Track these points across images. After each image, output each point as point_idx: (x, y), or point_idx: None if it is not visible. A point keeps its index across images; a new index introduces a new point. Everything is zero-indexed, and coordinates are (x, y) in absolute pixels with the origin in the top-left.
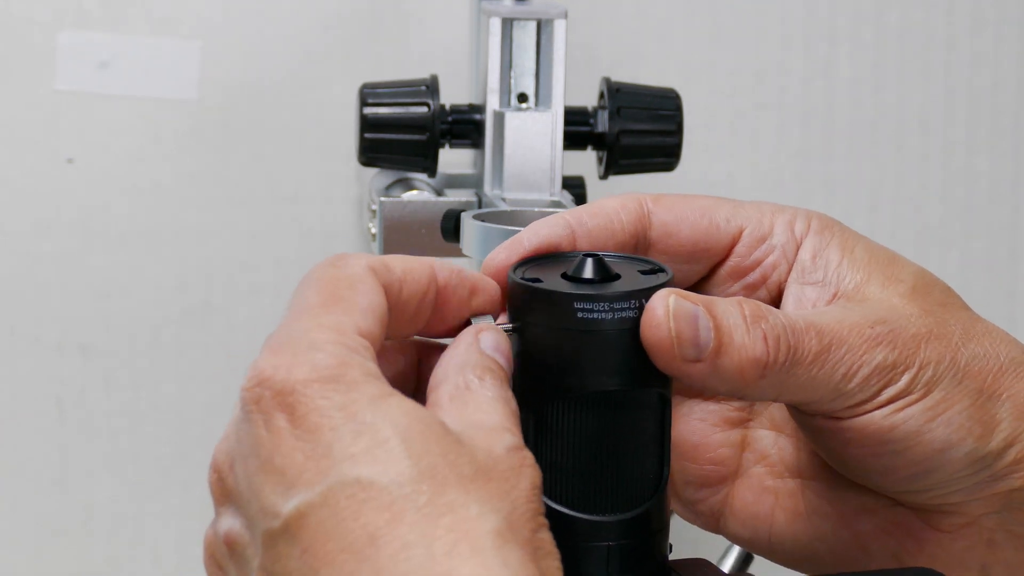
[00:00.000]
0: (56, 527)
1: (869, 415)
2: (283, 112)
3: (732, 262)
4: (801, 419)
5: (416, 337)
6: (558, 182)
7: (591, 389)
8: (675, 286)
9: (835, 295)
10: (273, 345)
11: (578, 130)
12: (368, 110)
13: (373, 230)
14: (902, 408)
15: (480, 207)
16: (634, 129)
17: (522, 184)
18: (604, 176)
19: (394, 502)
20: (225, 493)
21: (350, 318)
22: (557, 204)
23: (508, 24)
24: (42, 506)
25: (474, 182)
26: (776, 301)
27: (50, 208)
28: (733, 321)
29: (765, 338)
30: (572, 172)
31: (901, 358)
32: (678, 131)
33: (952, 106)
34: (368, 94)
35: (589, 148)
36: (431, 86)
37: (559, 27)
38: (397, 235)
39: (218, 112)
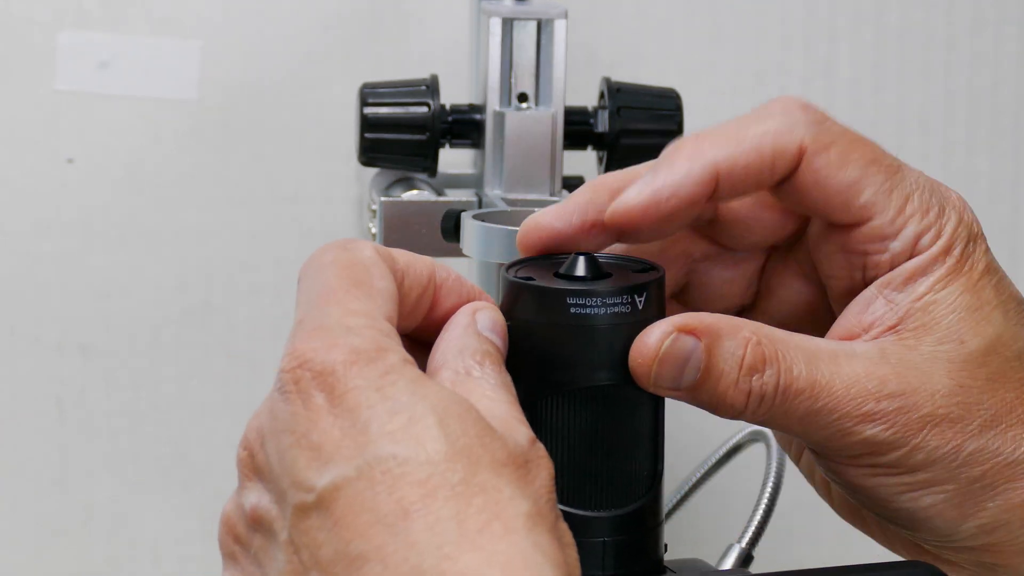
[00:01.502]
0: (56, 527)
1: (844, 467)
2: (283, 112)
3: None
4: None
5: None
6: (558, 182)
7: (584, 384)
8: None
9: (893, 326)
10: (309, 329)
11: (578, 130)
12: (368, 110)
13: (373, 230)
14: (877, 475)
15: (480, 207)
16: (634, 129)
17: (522, 184)
18: None
19: (428, 478)
20: (254, 469)
21: (375, 303)
22: None
23: (508, 24)
24: (42, 506)
25: (474, 182)
26: (858, 288)
27: (50, 208)
28: (727, 367)
29: (748, 394)
30: (572, 172)
31: (894, 438)
32: (678, 131)
33: (952, 106)
34: (368, 94)
35: (589, 148)
36: (431, 86)
37: (559, 27)
38: (397, 235)
39: (218, 112)
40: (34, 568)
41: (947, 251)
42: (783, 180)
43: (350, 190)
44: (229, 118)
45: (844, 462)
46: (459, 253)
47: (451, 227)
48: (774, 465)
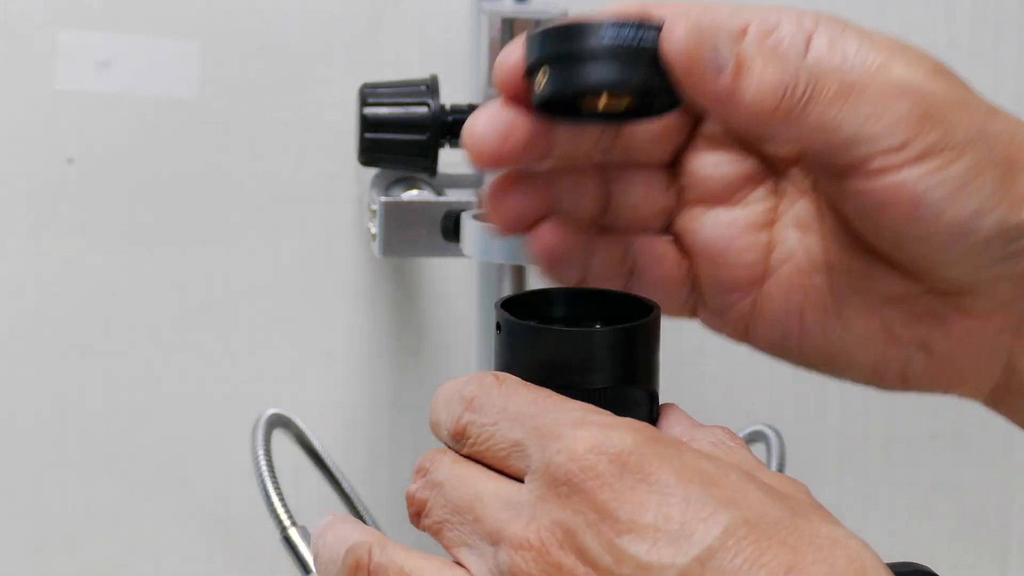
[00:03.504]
0: (56, 527)
1: (902, 175)
2: (283, 112)
3: None
4: (834, 186)
5: None
6: None
7: (582, 387)
8: None
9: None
10: (567, 423)
11: None
12: (368, 110)
13: (373, 230)
14: (937, 171)
15: (480, 207)
16: None
17: None
18: None
19: (787, 538)
20: (571, 567)
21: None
22: None
23: (508, 24)
24: (42, 506)
25: (474, 182)
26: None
27: (50, 208)
28: (754, 48)
29: (785, 68)
30: None
31: (928, 114)
32: None
33: None
34: (368, 94)
35: None
36: (431, 86)
37: None
38: (397, 235)
39: (218, 112)
40: (34, 568)
41: (838, 19)
42: None
43: (350, 190)
44: (229, 118)
45: (900, 161)
46: (459, 253)
47: (451, 227)
48: (774, 465)
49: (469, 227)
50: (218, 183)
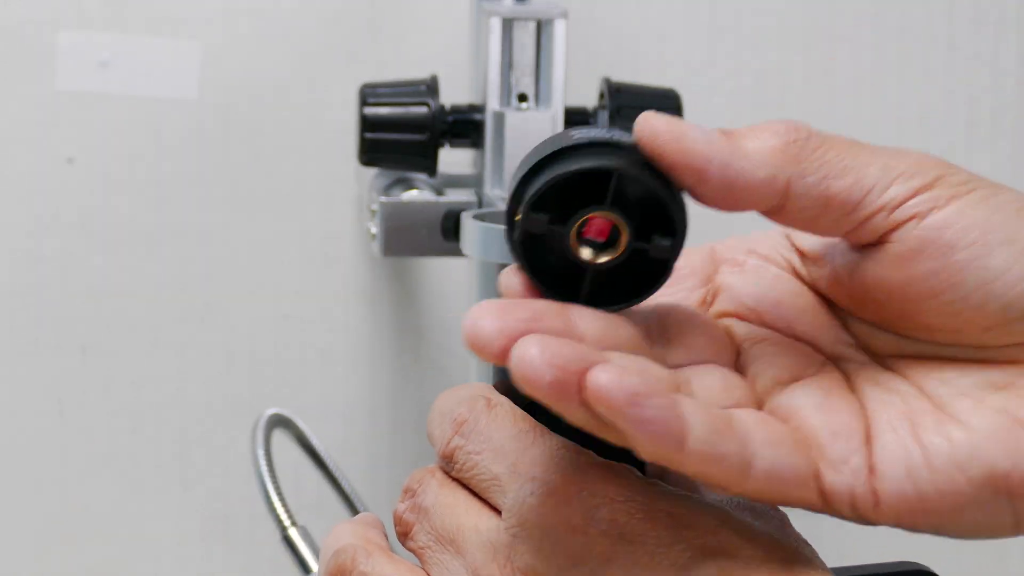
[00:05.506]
0: (56, 527)
1: None
2: (283, 112)
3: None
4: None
5: None
6: None
7: None
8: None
9: None
10: (545, 464)
11: None
12: (368, 110)
13: (373, 230)
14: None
15: (480, 207)
16: None
17: None
18: None
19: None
20: None
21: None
22: None
23: (508, 24)
24: (42, 506)
25: (474, 182)
26: None
27: (50, 208)
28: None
29: (786, 124)
30: None
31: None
32: None
33: (952, 106)
34: (368, 94)
35: None
36: (431, 86)
37: (559, 27)
38: (397, 235)
39: (218, 112)
40: (34, 568)
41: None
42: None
43: (350, 190)
44: (229, 118)
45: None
46: (459, 253)
47: (451, 227)
48: None
49: (469, 227)
50: (218, 183)
